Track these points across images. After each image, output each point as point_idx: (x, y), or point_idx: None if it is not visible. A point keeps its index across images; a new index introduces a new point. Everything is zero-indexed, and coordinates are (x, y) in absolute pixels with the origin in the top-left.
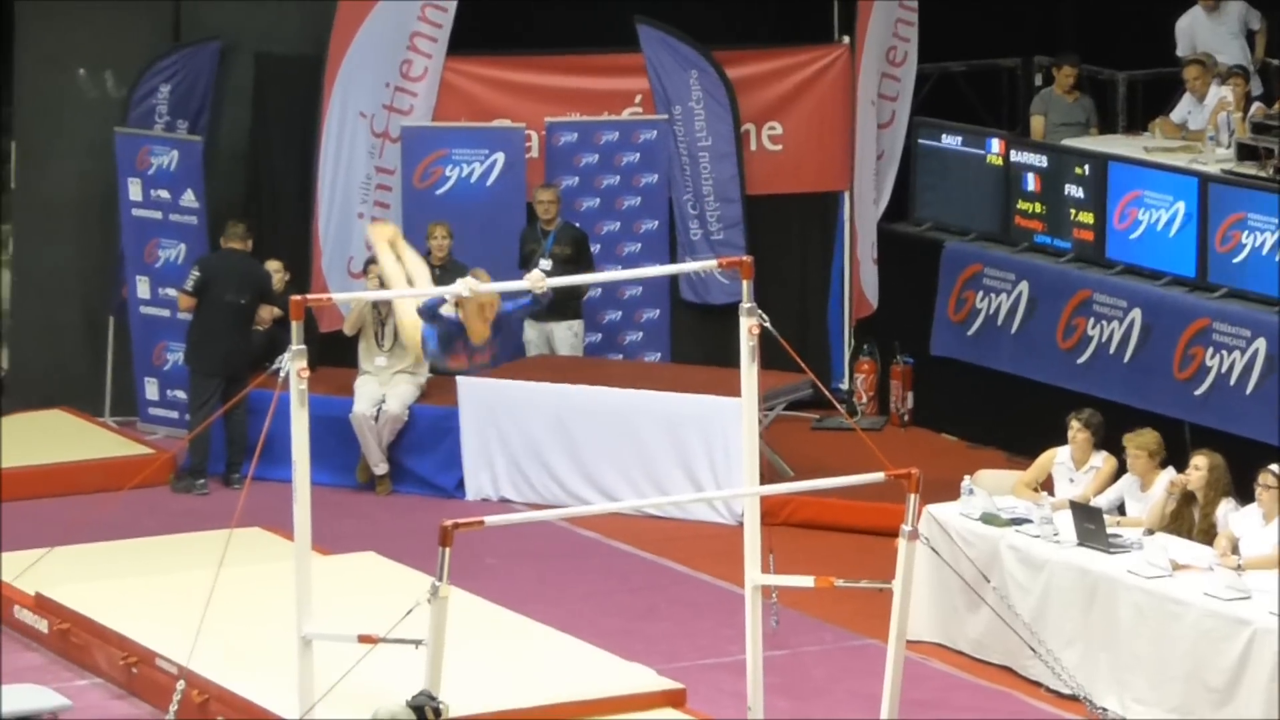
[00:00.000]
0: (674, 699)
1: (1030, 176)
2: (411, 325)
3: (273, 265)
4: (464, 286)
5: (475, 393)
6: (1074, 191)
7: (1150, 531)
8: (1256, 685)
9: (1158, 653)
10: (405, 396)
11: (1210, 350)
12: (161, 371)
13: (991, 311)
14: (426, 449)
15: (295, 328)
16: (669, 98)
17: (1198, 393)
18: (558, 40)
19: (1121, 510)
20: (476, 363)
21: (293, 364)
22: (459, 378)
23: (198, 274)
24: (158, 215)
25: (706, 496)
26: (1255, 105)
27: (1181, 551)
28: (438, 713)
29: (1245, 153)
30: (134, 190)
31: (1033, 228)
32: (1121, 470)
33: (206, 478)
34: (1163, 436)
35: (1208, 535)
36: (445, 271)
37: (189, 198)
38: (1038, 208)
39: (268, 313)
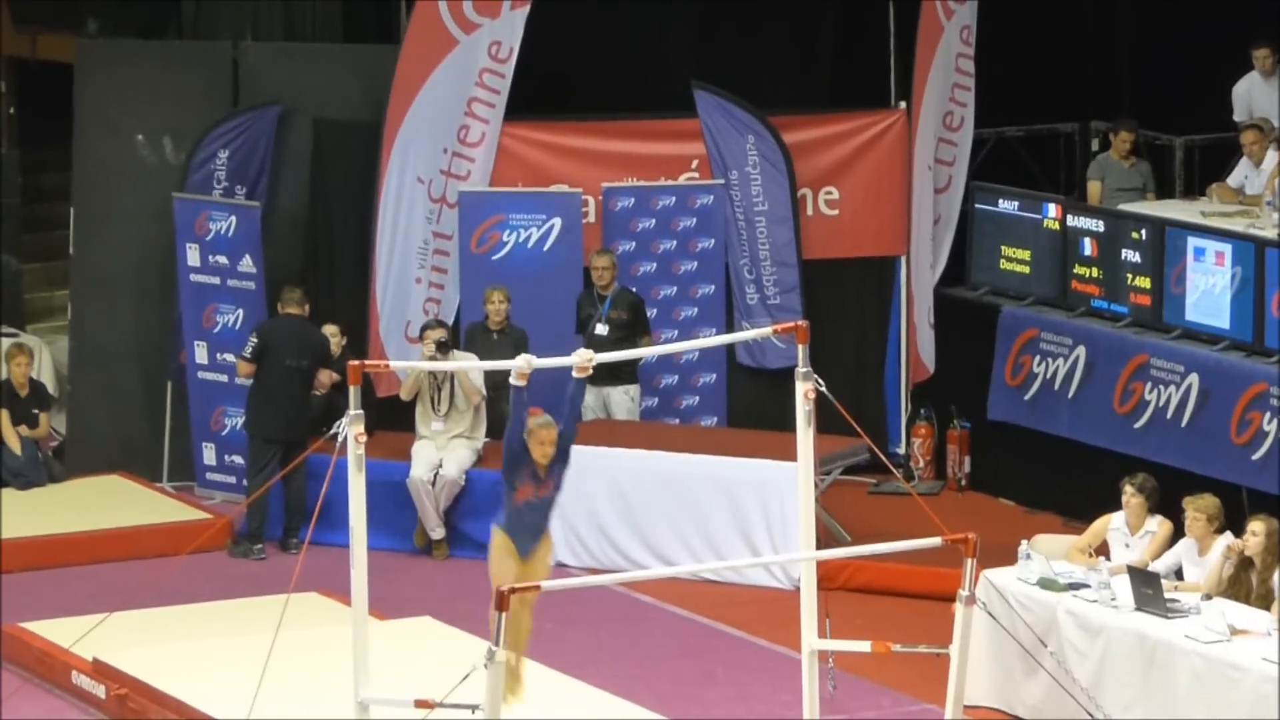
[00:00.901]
0: None
1: (1087, 241)
2: (473, 389)
3: (330, 330)
4: (523, 361)
5: None
6: (1131, 256)
7: (1208, 596)
8: None
9: (1216, 717)
10: (462, 461)
11: (1268, 415)
12: (219, 436)
13: (1049, 376)
14: (483, 513)
15: (353, 393)
16: (725, 163)
17: (1255, 457)
18: (614, 105)
19: (1179, 575)
20: (541, 496)
21: (350, 429)
22: None
23: (256, 340)
24: (216, 281)
25: (763, 561)
26: None
27: (1239, 616)
28: None
29: None
30: (192, 256)
31: (1089, 292)
32: (1178, 535)
33: (264, 542)
34: (1223, 502)
35: (1265, 600)
36: (503, 336)
37: (247, 263)
38: (1094, 272)
39: (326, 377)
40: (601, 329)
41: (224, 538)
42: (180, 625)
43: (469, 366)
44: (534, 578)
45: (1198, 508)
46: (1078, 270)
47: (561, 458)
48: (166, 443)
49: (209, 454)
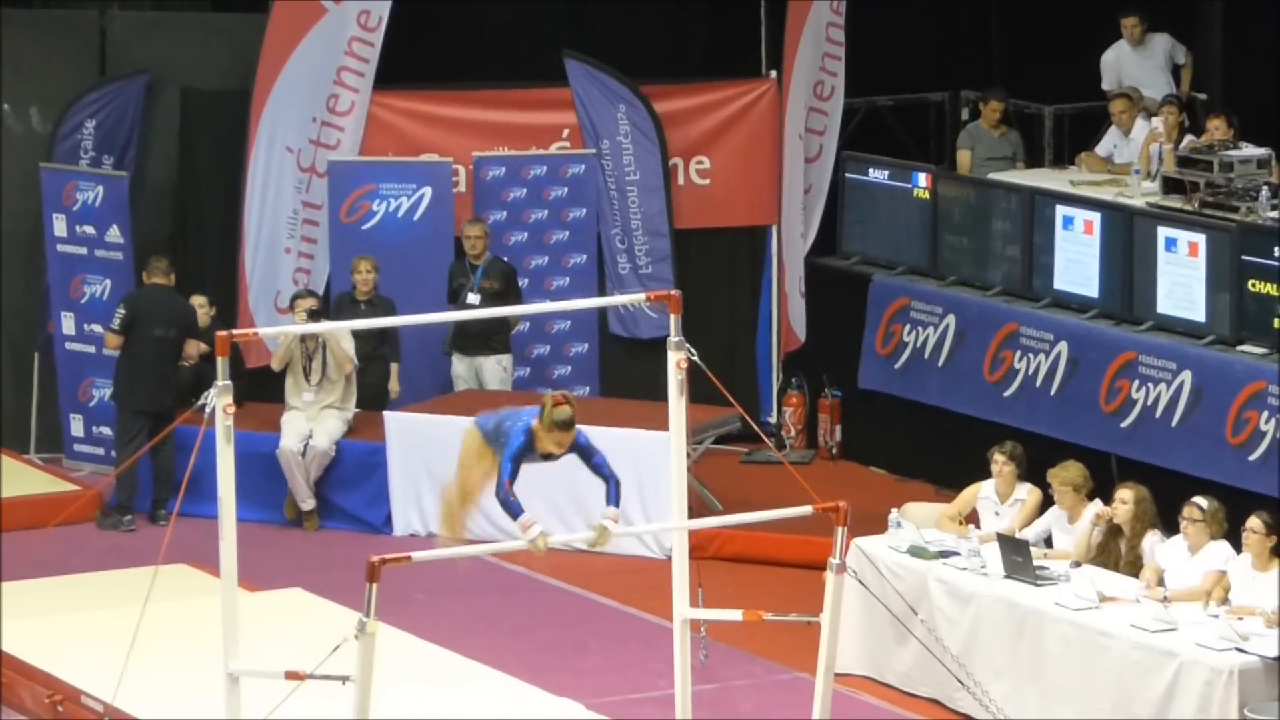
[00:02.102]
0: None
1: (957, 210)
2: (345, 356)
3: (198, 300)
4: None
5: (403, 428)
6: (1000, 225)
7: (1077, 564)
8: (1183, 716)
9: (1085, 684)
10: (332, 432)
11: (1136, 383)
12: (87, 408)
13: (919, 345)
14: (354, 484)
15: (221, 363)
16: (597, 132)
17: (1124, 425)
18: (485, 74)
19: (1049, 543)
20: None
21: (218, 400)
22: (385, 412)
23: (124, 311)
24: (83, 251)
25: (635, 531)
26: (1187, 138)
27: (1108, 584)
28: None
29: (1171, 186)
30: (59, 226)
31: (959, 261)
32: (1047, 503)
33: (133, 514)
34: (1090, 468)
35: (1134, 567)
36: (371, 306)
37: (114, 233)
38: (964, 241)
39: (194, 348)
40: (474, 298)
41: (93, 509)
42: (49, 598)
43: (336, 327)
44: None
45: (1062, 480)
46: (948, 239)
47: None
48: (34, 414)
49: (77, 425)
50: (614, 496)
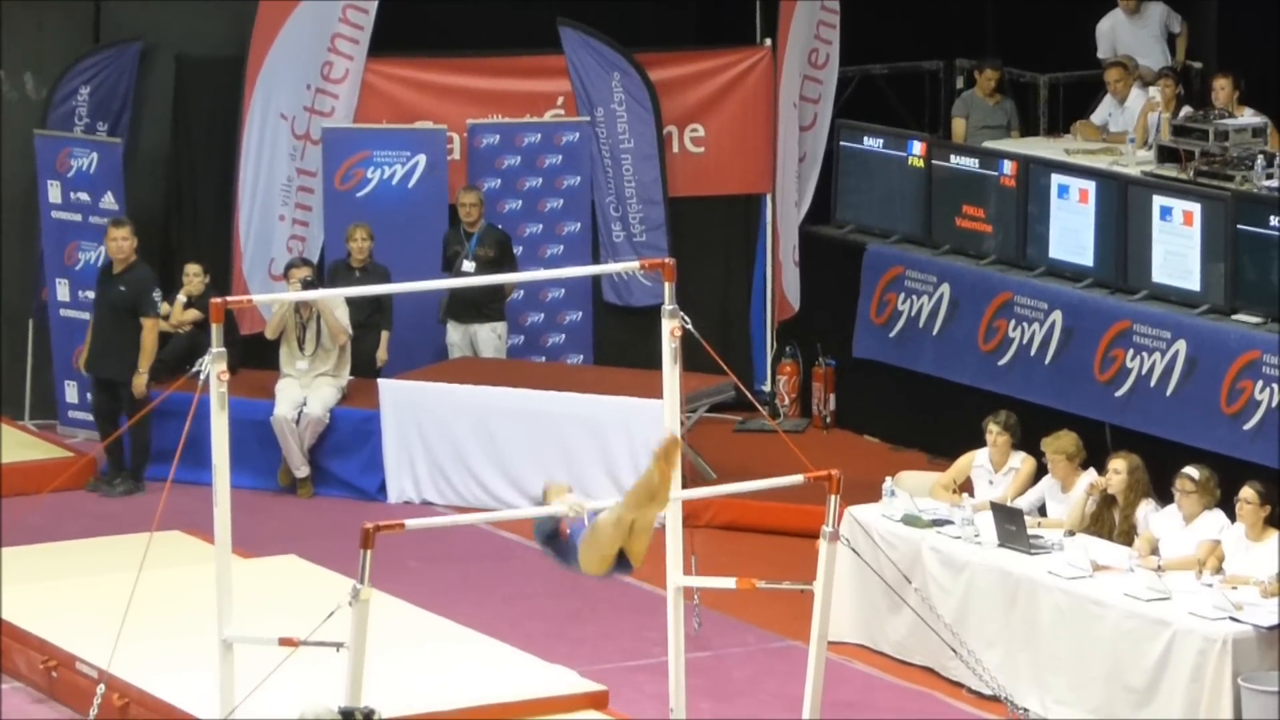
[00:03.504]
0: (596, 701)
1: (951, 179)
2: (339, 327)
3: (193, 268)
4: (567, 507)
5: (397, 395)
6: (995, 194)
7: (1071, 533)
8: (1176, 686)
9: (1078, 653)
10: (327, 399)
11: (1131, 352)
12: (81, 375)
13: (913, 314)
14: (348, 452)
15: (215, 330)
16: (591, 100)
17: (1118, 394)
18: (480, 42)
19: (1042, 512)
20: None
21: (213, 367)
22: (380, 379)
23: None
24: (78, 218)
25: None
26: (1185, 108)
27: (1102, 552)
28: (368, 718)
29: (1166, 155)
30: (53, 193)
31: (954, 230)
32: (1041, 472)
33: (123, 478)
34: (1084, 437)
35: (1128, 536)
36: (365, 274)
37: (109, 200)
38: (959, 210)
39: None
40: (468, 266)
41: (87, 476)
42: (43, 564)
43: (331, 294)
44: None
45: (1056, 449)
46: (942, 208)
47: None
48: (28, 380)
49: (71, 392)
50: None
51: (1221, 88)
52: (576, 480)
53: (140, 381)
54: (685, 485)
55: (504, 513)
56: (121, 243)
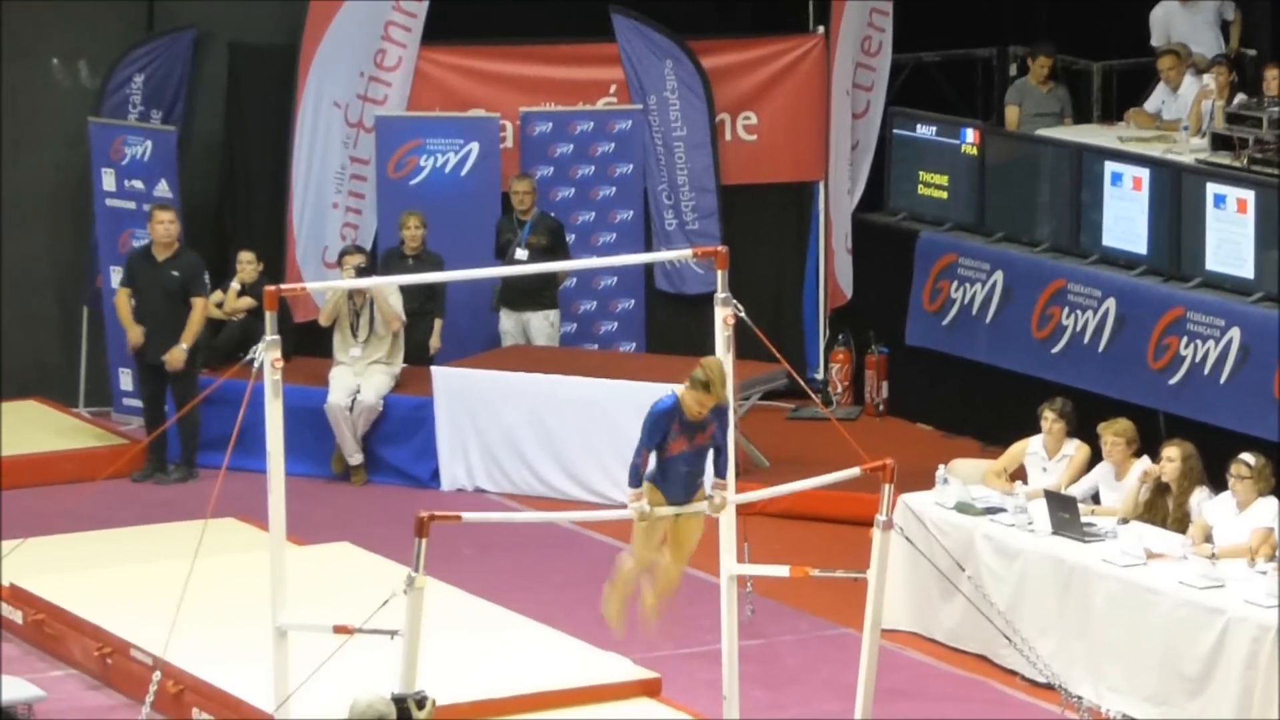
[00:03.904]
0: (650, 688)
1: (1005, 166)
2: (392, 314)
3: (246, 256)
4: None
5: (450, 383)
6: (1049, 181)
7: (1125, 520)
8: (1230, 674)
9: (1132, 641)
10: (380, 387)
11: (1185, 340)
12: (134, 361)
13: (966, 301)
14: (401, 439)
15: (269, 318)
16: (644, 88)
17: (1172, 382)
18: (532, 30)
19: (1096, 499)
20: (698, 445)
21: (267, 354)
22: (433, 367)
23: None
24: (131, 205)
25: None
26: (1239, 96)
27: (1156, 540)
28: (421, 704)
29: (1220, 143)
30: (108, 181)
31: (1007, 217)
32: (1094, 460)
33: (171, 467)
34: (1137, 426)
35: (1182, 524)
36: (419, 262)
37: (163, 187)
38: (1012, 197)
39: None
40: (521, 253)
41: (141, 463)
42: (98, 551)
43: (384, 281)
44: (683, 539)
45: (1115, 432)
46: (996, 195)
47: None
48: (83, 368)
49: (125, 379)
50: (722, 468)
51: (1274, 77)
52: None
53: (179, 355)
54: (739, 474)
55: (563, 514)
56: (170, 225)
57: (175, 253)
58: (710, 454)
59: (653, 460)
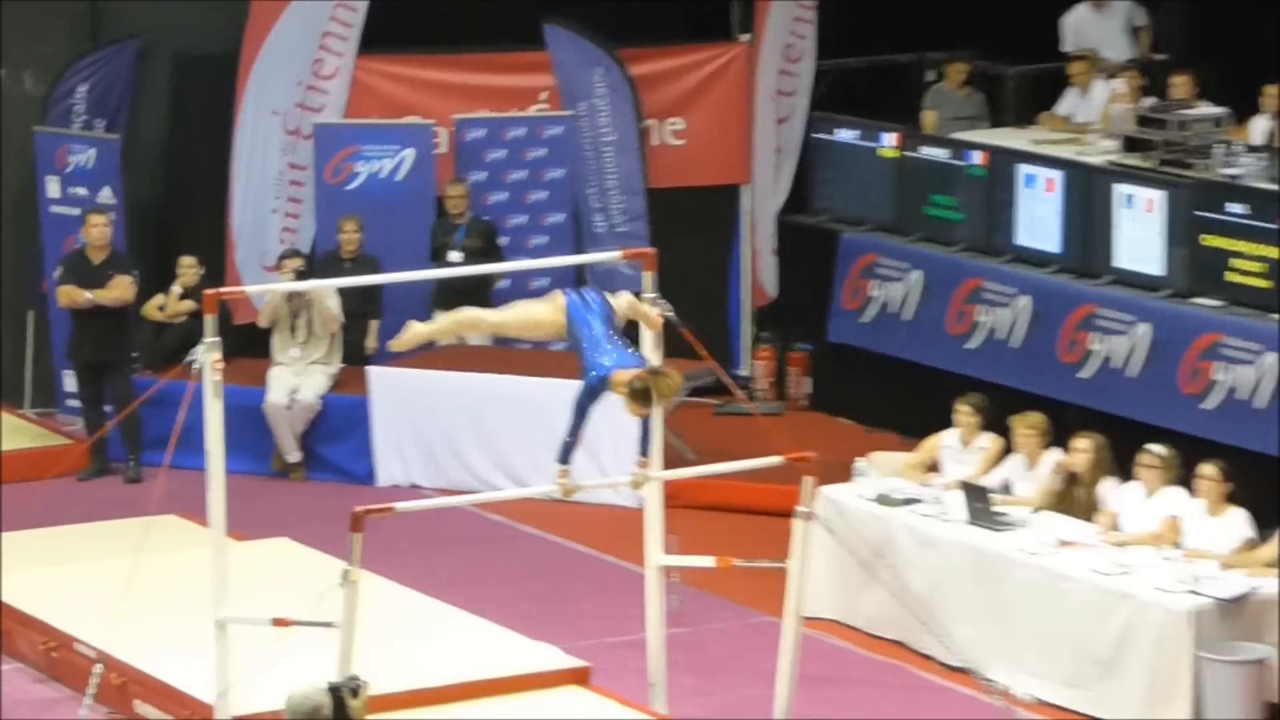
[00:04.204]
0: (579, 676)
1: (923, 169)
2: (330, 316)
3: (187, 260)
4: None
5: (387, 382)
6: (965, 183)
7: (1037, 510)
8: (1139, 656)
9: (1045, 626)
10: (318, 386)
11: (1096, 335)
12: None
13: (886, 299)
14: (339, 437)
15: (209, 320)
16: (574, 94)
17: (1083, 376)
18: (466, 38)
19: (1009, 490)
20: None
21: (207, 356)
22: (369, 367)
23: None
24: (76, 212)
25: (611, 482)
26: (1149, 100)
27: (1067, 529)
28: (355, 692)
29: (1130, 145)
30: (53, 188)
31: (925, 218)
32: (1008, 451)
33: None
34: (1051, 419)
35: (1092, 513)
36: (356, 265)
37: (107, 194)
38: (930, 199)
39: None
40: (456, 256)
41: (86, 462)
42: (43, 548)
43: (322, 284)
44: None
45: (1028, 424)
46: (914, 196)
47: None
48: (28, 370)
49: (69, 381)
50: (646, 446)
51: (1180, 84)
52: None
53: (80, 294)
54: (667, 466)
55: (489, 495)
56: (104, 229)
57: (109, 255)
58: None
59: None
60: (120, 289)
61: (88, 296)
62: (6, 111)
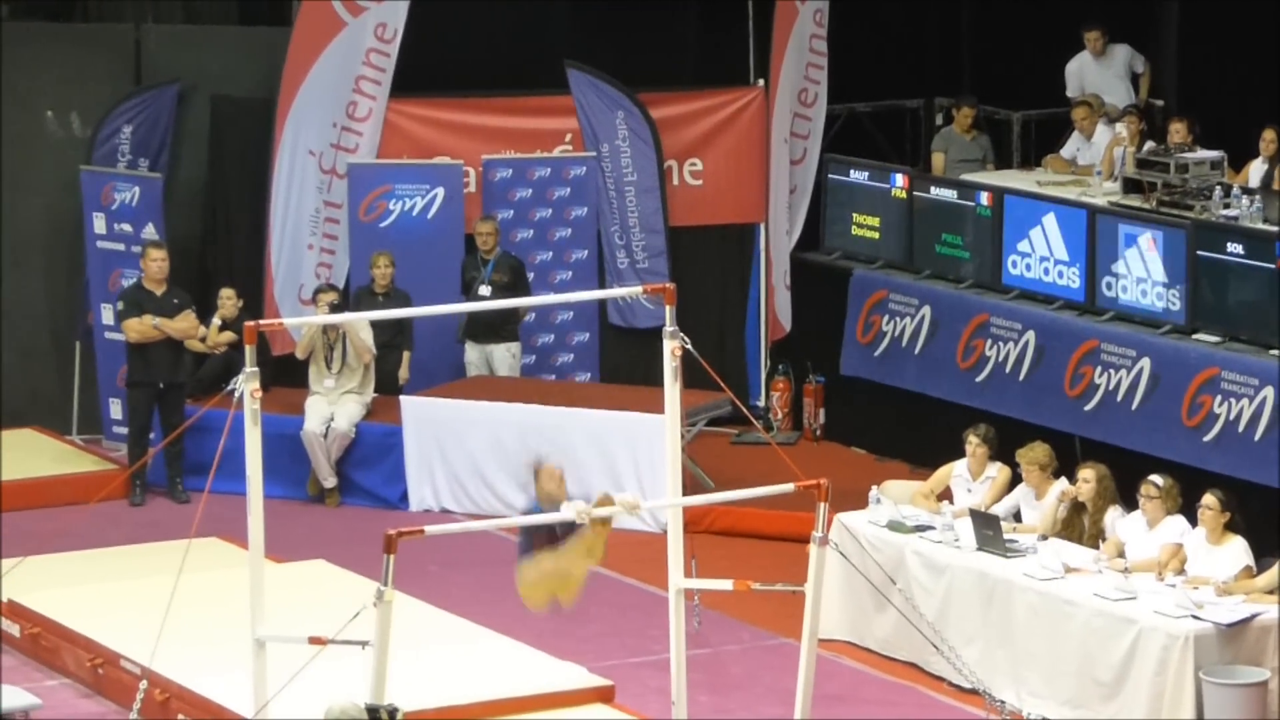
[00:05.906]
0: (604, 695)
1: (932, 209)
2: (364, 347)
3: (227, 293)
4: (575, 513)
5: (418, 411)
6: (972, 223)
7: (1044, 537)
8: (1142, 679)
9: (1051, 649)
10: (352, 415)
11: (1099, 369)
12: (124, 392)
13: (896, 334)
14: (372, 464)
15: (249, 351)
16: (597, 136)
17: (1087, 408)
18: (494, 83)
19: (1017, 518)
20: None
21: (246, 385)
22: (402, 396)
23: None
24: (121, 247)
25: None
26: (1148, 144)
27: (1072, 556)
28: (393, 715)
29: (1131, 186)
30: (98, 224)
31: (934, 256)
32: (1016, 480)
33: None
34: (1055, 449)
35: (1096, 540)
36: (388, 298)
37: (150, 231)
38: (939, 238)
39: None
40: (485, 290)
41: (129, 487)
42: (90, 569)
43: (356, 317)
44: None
45: (1030, 459)
46: (923, 236)
47: None
48: (75, 398)
49: (115, 409)
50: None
51: (1177, 130)
52: (584, 490)
53: (149, 326)
54: (685, 494)
55: (518, 519)
56: (163, 263)
57: (168, 288)
58: None
59: None
60: (188, 321)
61: (156, 323)
62: (55, 152)
